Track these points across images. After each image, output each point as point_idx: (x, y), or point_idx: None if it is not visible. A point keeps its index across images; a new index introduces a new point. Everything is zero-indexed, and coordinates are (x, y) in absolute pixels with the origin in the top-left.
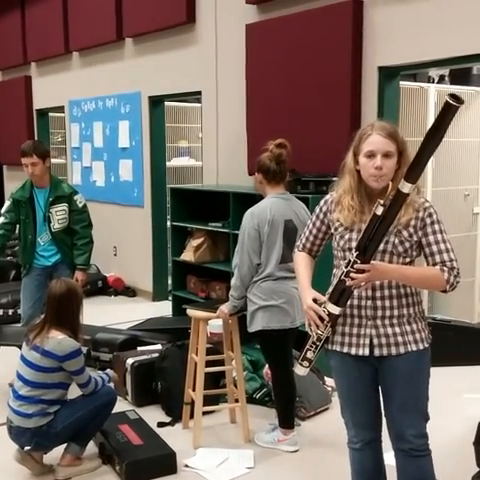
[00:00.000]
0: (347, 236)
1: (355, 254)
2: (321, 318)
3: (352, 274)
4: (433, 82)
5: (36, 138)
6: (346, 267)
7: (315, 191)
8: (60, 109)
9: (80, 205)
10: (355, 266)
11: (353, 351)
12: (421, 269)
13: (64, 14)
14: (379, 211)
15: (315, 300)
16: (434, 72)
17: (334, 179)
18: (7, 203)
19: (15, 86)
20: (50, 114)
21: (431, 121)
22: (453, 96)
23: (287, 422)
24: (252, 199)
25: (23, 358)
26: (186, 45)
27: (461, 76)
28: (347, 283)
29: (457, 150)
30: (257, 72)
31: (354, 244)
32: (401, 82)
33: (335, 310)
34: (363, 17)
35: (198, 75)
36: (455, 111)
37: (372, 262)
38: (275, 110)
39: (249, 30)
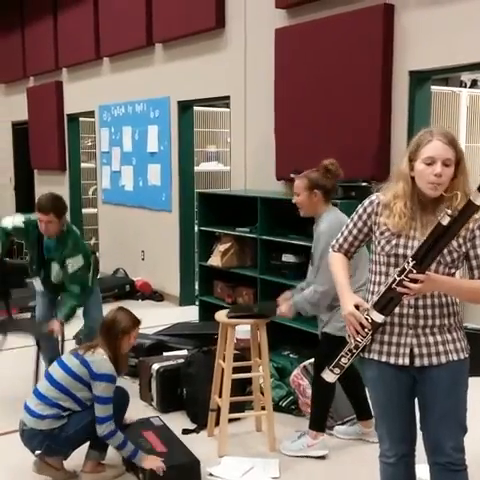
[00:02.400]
0: (394, 242)
1: (411, 263)
2: (362, 325)
3: (406, 283)
4: (465, 87)
5: (67, 143)
6: (399, 275)
7: (344, 196)
8: (90, 114)
9: (71, 270)
10: (410, 275)
11: (392, 360)
12: (470, 282)
13: (95, 20)
14: (445, 221)
15: (357, 306)
16: (466, 76)
17: (363, 184)
18: (20, 221)
19: (47, 91)
20: (80, 119)
21: (463, 126)
22: None
23: (320, 425)
24: (280, 204)
25: (60, 361)
26: (215, 50)
27: None
28: (398, 290)
29: None
30: (286, 77)
31: (401, 250)
32: (433, 87)
33: (379, 318)
34: (394, 21)
35: (227, 80)
36: None
37: (427, 273)
38: (304, 115)
39: (278, 35)
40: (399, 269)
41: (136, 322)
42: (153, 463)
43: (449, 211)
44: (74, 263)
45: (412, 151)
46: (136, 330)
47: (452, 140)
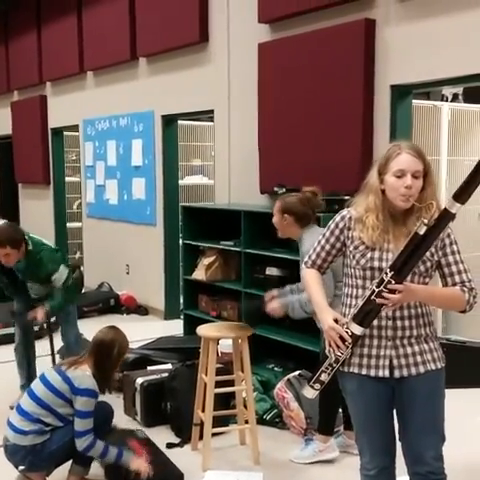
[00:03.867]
0: (369, 255)
1: (390, 274)
2: (342, 339)
3: (385, 294)
4: (447, 100)
5: (51, 157)
6: (378, 287)
7: (326, 210)
8: (74, 128)
9: (59, 284)
10: (389, 286)
11: (373, 373)
12: (445, 290)
13: (79, 34)
14: (422, 230)
15: (336, 320)
16: (448, 90)
17: (346, 198)
18: None
19: (31, 105)
20: (65, 133)
21: (445, 140)
22: None
23: (329, 429)
24: (264, 218)
25: (42, 376)
26: (199, 64)
27: (475, 94)
28: (377, 301)
29: (469, 169)
30: (269, 91)
31: (376, 263)
32: (414, 100)
33: (358, 330)
34: (375, 35)
35: (211, 94)
36: None
37: (405, 283)
38: (287, 129)
39: (261, 49)
40: (377, 280)
41: (128, 343)
42: (140, 464)
43: (425, 220)
44: (60, 276)
45: (381, 164)
46: (127, 351)
47: (420, 153)
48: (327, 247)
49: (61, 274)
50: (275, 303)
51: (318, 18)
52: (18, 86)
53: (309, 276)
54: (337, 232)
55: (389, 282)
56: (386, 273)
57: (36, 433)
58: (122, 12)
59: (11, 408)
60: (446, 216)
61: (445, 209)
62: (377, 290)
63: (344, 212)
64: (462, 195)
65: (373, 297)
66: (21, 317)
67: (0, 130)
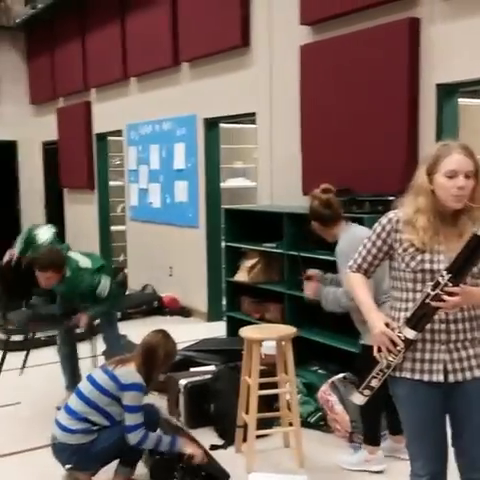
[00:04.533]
0: (419, 257)
1: (447, 276)
2: (393, 343)
3: (444, 297)
4: None
5: (95, 162)
6: (433, 290)
7: (370, 211)
8: (118, 133)
9: (104, 295)
10: (446, 289)
11: (426, 378)
12: None
13: (122, 41)
14: None
15: (387, 324)
16: None
17: (390, 198)
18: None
19: (76, 111)
20: (109, 138)
21: None
22: None
23: (374, 439)
24: (306, 219)
25: (89, 376)
26: (241, 67)
27: None
28: (433, 305)
29: None
30: (312, 92)
31: (427, 265)
32: (460, 99)
33: (412, 335)
34: (420, 34)
35: (253, 96)
36: None
37: (461, 286)
38: (330, 130)
39: (303, 51)
40: (432, 284)
41: (176, 349)
42: (195, 449)
43: None
44: (103, 288)
45: (431, 164)
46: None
47: (471, 152)
48: (373, 250)
49: (104, 286)
50: (314, 285)
51: (361, 18)
52: (63, 93)
53: (355, 280)
54: (384, 235)
55: (446, 285)
56: (442, 276)
57: (83, 432)
58: (164, 18)
59: (58, 409)
60: None
61: None
62: (433, 293)
63: (391, 214)
64: None
65: (428, 300)
66: (63, 322)
67: (46, 136)
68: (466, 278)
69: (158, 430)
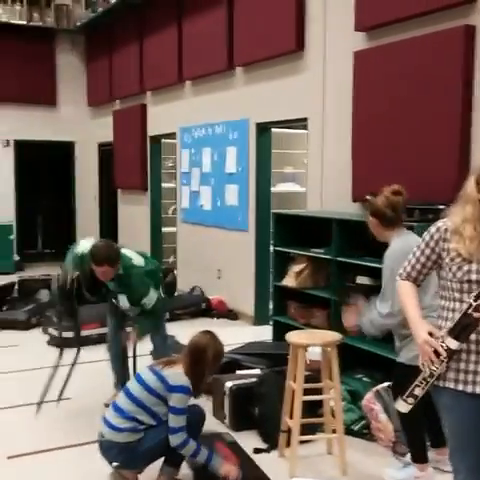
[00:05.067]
0: (466, 268)
1: None
2: (437, 353)
3: None
4: None
5: (149, 163)
6: (475, 300)
7: (420, 219)
8: (172, 135)
9: (148, 307)
10: None
11: (470, 389)
12: None
13: (178, 44)
14: None
15: (430, 334)
16: None
17: (440, 207)
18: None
19: (131, 114)
20: (162, 140)
21: None
22: None
23: (421, 456)
24: (355, 226)
25: (138, 375)
26: (295, 72)
27: None
28: (475, 316)
29: None
30: (364, 99)
31: (474, 276)
32: None
33: (454, 345)
34: (476, 42)
35: (305, 102)
36: None
37: None
38: (382, 137)
39: (357, 57)
40: (474, 294)
41: (223, 351)
42: (229, 469)
43: None
44: (149, 301)
45: None
46: (222, 357)
47: None
48: (422, 259)
49: (150, 299)
50: (352, 317)
51: (416, 25)
52: (120, 95)
53: (403, 289)
54: (432, 244)
55: None
56: None
57: (130, 431)
58: (220, 22)
59: (106, 406)
60: None
61: None
62: (475, 304)
63: (439, 223)
64: None
65: (470, 311)
66: (115, 339)
67: (102, 137)
68: None
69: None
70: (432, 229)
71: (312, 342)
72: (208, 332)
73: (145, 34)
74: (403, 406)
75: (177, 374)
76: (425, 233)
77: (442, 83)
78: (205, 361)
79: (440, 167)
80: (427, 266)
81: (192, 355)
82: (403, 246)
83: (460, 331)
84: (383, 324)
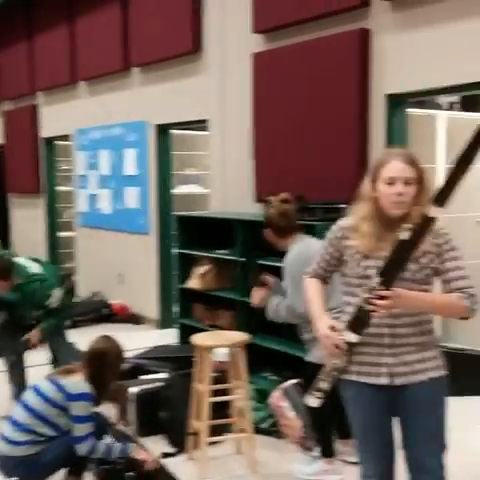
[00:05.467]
0: (364, 263)
1: (377, 280)
2: (337, 347)
3: (374, 300)
4: (443, 109)
5: (42, 166)
6: (368, 294)
7: (322, 218)
8: (67, 137)
9: (55, 305)
10: (377, 293)
11: (371, 381)
12: (441, 296)
13: (71, 43)
14: (405, 236)
15: (331, 327)
16: (444, 99)
17: (342, 206)
18: None
19: (22, 115)
20: (56, 142)
21: (440, 148)
22: None
23: (329, 450)
24: (258, 226)
25: (34, 387)
26: (193, 74)
27: (472, 103)
28: (367, 309)
29: (469, 177)
30: (264, 100)
31: (371, 271)
32: (409, 109)
33: (353, 338)
34: (370, 45)
35: (205, 103)
36: None
37: (395, 289)
38: (282, 137)
39: (256, 59)
40: (368, 288)
41: (123, 353)
42: (145, 455)
43: (409, 225)
44: (54, 299)
45: (374, 172)
46: (123, 361)
47: (411, 159)
48: (326, 257)
49: (55, 297)
50: (261, 292)
51: (313, 28)
52: (10, 96)
53: (309, 285)
54: (335, 241)
55: (377, 289)
56: (374, 280)
57: (30, 443)
58: (115, 21)
59: (2, 419)
60: (427, 220)
61: (423, 214)
62: (366, 297)
63: (341, 221)
64: (441, 198)
65: (363, 304)
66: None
67: None
68: (394, 282)
69: (109, 438)
70: (334, 227)
71: (218, 343)
72: (106, 336)
73: (35, 32)
74: (313, 401)
75: (77, 382)
76: (329, 231)
77: (339, 84)
78: (106, 366)
79: (340, 167)
80: (331, 263)
81: (92, 361)
82: (300, 252)
83: (357, 324)
84: (287, 318)
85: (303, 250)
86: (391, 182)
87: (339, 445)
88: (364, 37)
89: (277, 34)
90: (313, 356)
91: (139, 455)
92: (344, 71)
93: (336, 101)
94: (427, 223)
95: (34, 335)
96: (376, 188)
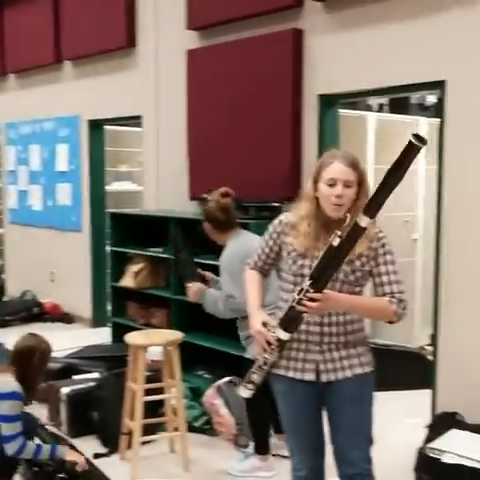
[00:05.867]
0: (300, 262)
1: (308, 282)
2: (269, 342)
3: (304, 302)
4: (376, 110)
5: None
6: (298, 294)
7: (256, 216)
8: None
9: None
10: (308, 294)
11: (299, 376)
12: (371, 300)
13: (0, 35)
14: (335, 242)
15: (264, 323)
16: (374, 100)
17: (275, 204)
18: None
19: None
20: None
21: (370, 149)
22: (417, 136)
23: (264, 447)
24: (193, 224)
25: None
26: (126, 69)
27: (400, 105)
28: (297, 309)
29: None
30: (198, 98)
31: (306, 270)
32: (341, 110)
33: (284, 336)
34: (303, 45)
35: (138, 99)
36: (418, 151)
37: (325, 291)
38: (217, 135)
39: (190, 56)
40: (299, 288)
41: (50, 349)
42: (77, 456)
43: (339, 232)
44: None
45: (316, 172)
46: (50, 357)
47: (353, 162)
48: (266, 250)
49: None
50: (196, 286)
51: (247, 26)
52: None
53: (248, 276)
54: (275, 236)
55: (308, 290)
56: (306, 281)
57: None
58: (46, 13)
59: None
60: (356, 229)
61: (355, 223)
62: (297, 298)
63: (282, 217)
64: (371, 209)
65: (294, 304)
66: None
67: None
68: (326, 285)
69: (36, 439)
70: (275, 222)
71: (152, 342)
72: (32, 334)
73: None
74: (244, 392)
75: (5, 381)
76: (270, 225)
77: (273, 84)
78: (32, 364)
79: (273, 166)
80: (271, 257)
81: (18, 359)
82: (238, 247)
83: (288, 323)
84: (225, 312)
85: (241, 246)
86: (332, 183)
87: (276, 439)
88: (297, 37)
89: (211, 31)
90: (251, 353)
91: (70, 456)
92: (278, 70)
93: (270, 100)
94: (357, 232)
95: None
96: (317, 188)
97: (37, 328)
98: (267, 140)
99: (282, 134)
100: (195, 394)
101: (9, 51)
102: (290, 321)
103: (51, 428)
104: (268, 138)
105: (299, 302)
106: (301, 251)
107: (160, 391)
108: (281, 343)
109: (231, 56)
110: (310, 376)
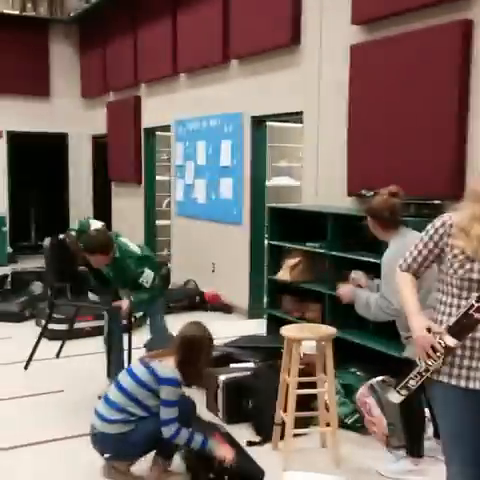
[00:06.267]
0: (468, 266)
1: None
2: (433, 348)
3: None
4: None
5: (143, 156)
6: (478, 301)
7: (416, 214)
8: (166, 128)
9: (147, 285)
10: None
11: (462, 384)
12: None
13: (173, 36)
14: None
15: (428, 329)
16: None
17: (436, 202)
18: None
19: (125, 106)
20: (157, 133)
21: None
22: None
23: (417, 451)
24: (350, 220)
25: (129, 368)
26: (290, 66)
27: None
28: (475, 317)
29: None
30: (360, 93)
31: (475, 275)
32: None
33: (452, 342)
34: (473, 36)
35: (300, 96)
36: None
37: None
38: (377, 131)
39: (354, 51)
40: (477, 295)
41: (212, 339)
42: (226, 451)
43: None
44: (146, 278)
45: None
46: (212, 347)
47: None
48: (424, 252)
49: (147, 276)
50: (347, 287)
51: (413, 19)
52: (114, 87)
53: (403, 280)
54: (436, 237)
55: None
56: None
57: (122, 422)
58: (216, 14)
59: (99, 398)
60: None
61: None
62: (476, 305)
63: (445, 217)
64: None
65: (472, 312)
66: (106, 305)
67: (96, 129)
68: None
69: (190, 428)
70: (437, 223)
71: (307, 336)
72: (197, 323)
73: (139, 25)
74: (396, 397)
75: (167, 367)
76: (429, 225)
77: (439, 77)
78: (196, 352)
79: (436, 162)
80: (429, 259)
81: (182, 346)
82: (399, 249)
83: (460, 330)
84: (377, 314)
85: (401, 247)
86: None
87: (434, 443)
88: (466, 28)
89: (376, 25)
90: (410, 352)
91: (218, 452)
92: (444, 63)
93: (435, 94)
94: None
95: (125, 302)
96: None
97: (198, 316)
98: (430, 136)
99: (447, 130)
100: (347, 391)
101: (180, 51)
102: (462, 328)
103: (207, 416)
104: (431, 134)
105: (478, 310)
106: (471, 255)
107: (313, 385)
108: (448, 350)
109: (396, 50)
110: (475, 384)
